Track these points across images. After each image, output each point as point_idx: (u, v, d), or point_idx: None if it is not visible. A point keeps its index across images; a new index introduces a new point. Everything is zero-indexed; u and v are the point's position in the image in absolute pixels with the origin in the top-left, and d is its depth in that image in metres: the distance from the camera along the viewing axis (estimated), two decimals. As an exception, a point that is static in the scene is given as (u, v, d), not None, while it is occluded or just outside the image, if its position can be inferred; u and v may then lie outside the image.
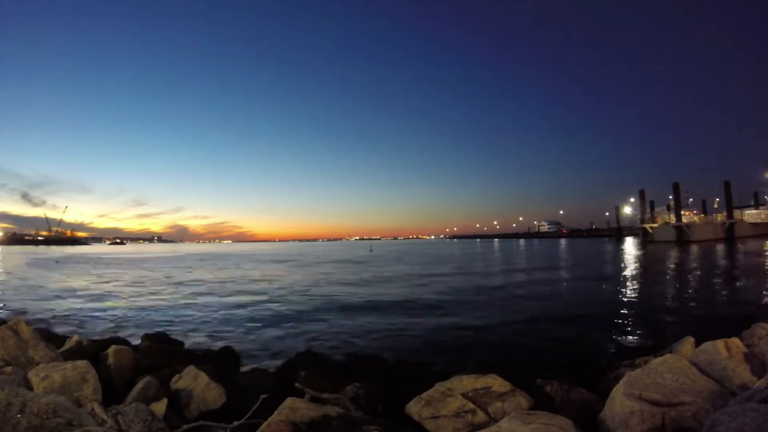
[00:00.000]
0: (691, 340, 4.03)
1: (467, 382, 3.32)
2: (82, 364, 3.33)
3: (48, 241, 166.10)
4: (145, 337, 5.88)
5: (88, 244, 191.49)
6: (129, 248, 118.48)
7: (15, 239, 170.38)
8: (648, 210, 63.91)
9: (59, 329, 7.81)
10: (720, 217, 59.79)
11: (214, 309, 10.95)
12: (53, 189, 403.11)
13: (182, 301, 12.46)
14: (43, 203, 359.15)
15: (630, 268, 21.48)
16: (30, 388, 2.99)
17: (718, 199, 64.60)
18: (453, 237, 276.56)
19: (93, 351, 4.81)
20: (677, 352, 3.80)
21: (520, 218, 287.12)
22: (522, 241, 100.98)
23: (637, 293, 12.56)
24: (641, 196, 64.61)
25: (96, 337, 6.47)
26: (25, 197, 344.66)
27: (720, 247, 36.58)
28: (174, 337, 6.58)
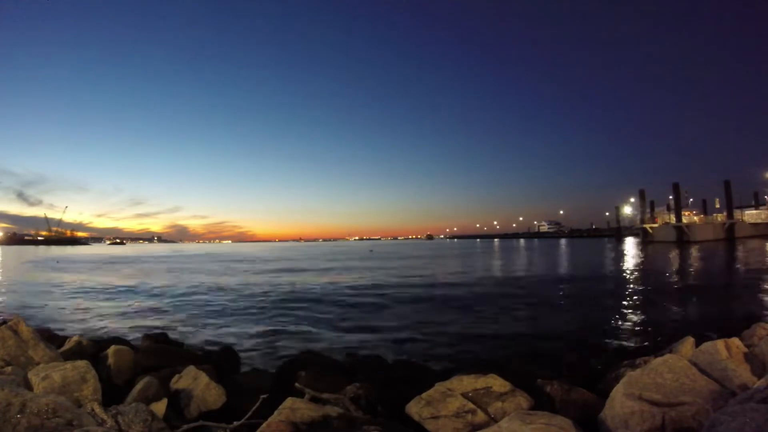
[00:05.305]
0: (691, 340, 4.03)
1: (467, 382, 3.31)
2: (82, 364, 3.32)
3: (48, 241, 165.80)
4: (145, 337, 5.89)
5: (87, 244, 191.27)
6: (129, 248, 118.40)
7: (15, 239, 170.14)
8: (648, 210, 63.93)
9: (59, 329, 7.81)
10: (720, 218, 59.79)
11: (214, 309, 10.95)
12: (49, 188, 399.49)
13: (182, 301, 12.46)
14: (39, 202, 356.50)
15: (630, 268, 21.48)
16: (30, 388, 2.99)
17: (718, 199, 64.57)
18: (453, 237, 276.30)
19: (93, 351, 4.81)
20: (677, 352, 3.79)
21: (520, 218, 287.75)
22: (522, 241, 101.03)
23: (637, 293, 12.57)
24: (641, 196, 64.63)
25: (96, 337, 6.47)
26: (21, 196, 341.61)
27: (720, 248, 36.58)
28: (174, 337, 6.59)
